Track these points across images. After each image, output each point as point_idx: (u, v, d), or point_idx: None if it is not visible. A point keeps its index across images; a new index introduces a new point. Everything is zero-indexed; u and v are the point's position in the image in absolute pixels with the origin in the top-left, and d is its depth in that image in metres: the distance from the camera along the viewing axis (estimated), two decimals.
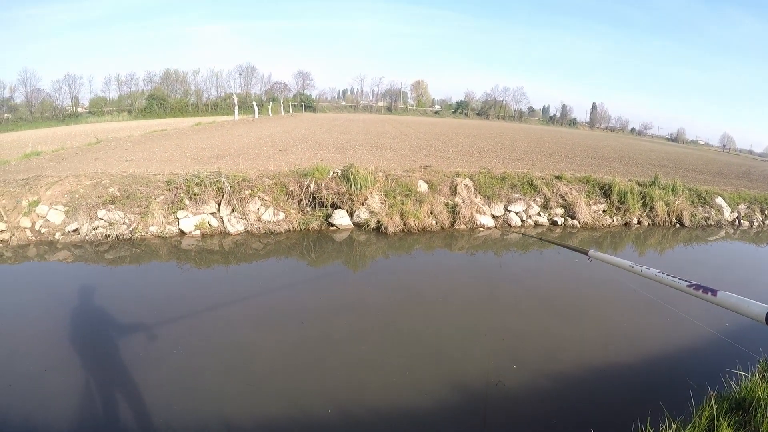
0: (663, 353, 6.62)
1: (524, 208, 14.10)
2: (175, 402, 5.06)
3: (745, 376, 5.02)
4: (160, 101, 73.46)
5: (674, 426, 4.05)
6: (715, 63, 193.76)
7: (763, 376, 5.04)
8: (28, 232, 10.26)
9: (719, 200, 16.96)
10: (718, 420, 3.99)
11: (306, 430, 4.80)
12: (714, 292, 1.74)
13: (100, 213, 10.66)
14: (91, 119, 60.82)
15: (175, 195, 11.22)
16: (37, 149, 17.19)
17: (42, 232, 10.32)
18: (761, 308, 1.51)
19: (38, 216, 10.51)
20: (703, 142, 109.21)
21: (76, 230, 10.42)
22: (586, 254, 2.87)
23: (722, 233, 15.60)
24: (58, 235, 10.29)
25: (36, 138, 24.80)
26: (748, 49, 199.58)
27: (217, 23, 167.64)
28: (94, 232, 10.44)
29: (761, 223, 16.92)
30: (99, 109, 71.89)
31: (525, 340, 6.91)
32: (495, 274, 10.26)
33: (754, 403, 4.34)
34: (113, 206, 10.81)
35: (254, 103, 56.02)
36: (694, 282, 1.87)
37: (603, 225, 14.48)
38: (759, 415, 4.14)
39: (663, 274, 2.07)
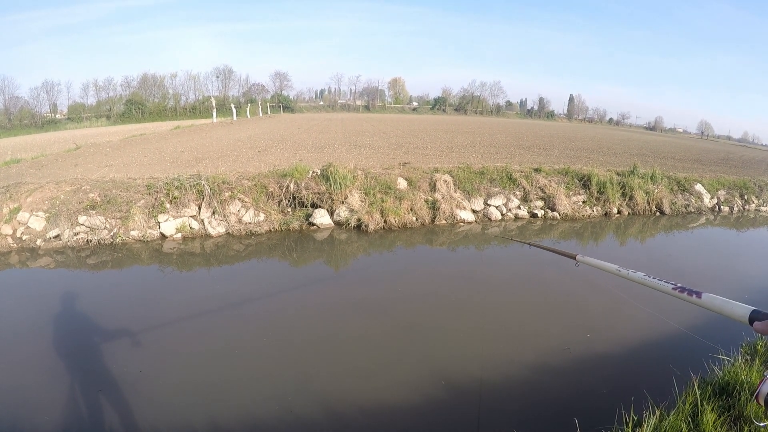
0: (646, 345, 6.69)
1: (504, 202, 14.31)
2: (156, 407, 5.13)
3: (728, 361, 5.07)
4: (138, 106, 72.45)
5: (658, 412, 4.07)
6: (691, 51, 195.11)
7: (746, 359, 5.07)
8: (10, 239, 10.23)
9: (699, 187, 17.25)
10: (702, 405, 3.99)
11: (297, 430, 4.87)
12: (699, 294, 1.74)
13: (81, 218, 10.66)
14: (70, 125, 59.48)
15: (156, 199, 11.24)
16: (16, 156, 16.98)
17: (23, 239, 10.30)
18: (745, 309, 1.52)
19: (19, 223, 10.48)
20: (681, 130, 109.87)
21: (57, 236, 10.41)
22: (574, 258, 2.83)
23: (702, 220, 15.90)
24: (39, 242, 10.28)
25: (15, 145, 24.42)
26: (724, 36, 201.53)
27: (193, 26, 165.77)
28: (75, 237, 10.44)
29: (741, 208, 17.28)
30: (78, 115, 70.35)
31: (511, 333, 7.07)
32: (477, 268, 10.35)
33: (737, 386, 4.37)
34: (94, 211, 10.82)
35: (232, 106, 55.79)
36: (679, 285, 1.86)
37: (583, 216, 14.74)
38: (743, 398, 4.17)
39: (649, 277, 2.05)
